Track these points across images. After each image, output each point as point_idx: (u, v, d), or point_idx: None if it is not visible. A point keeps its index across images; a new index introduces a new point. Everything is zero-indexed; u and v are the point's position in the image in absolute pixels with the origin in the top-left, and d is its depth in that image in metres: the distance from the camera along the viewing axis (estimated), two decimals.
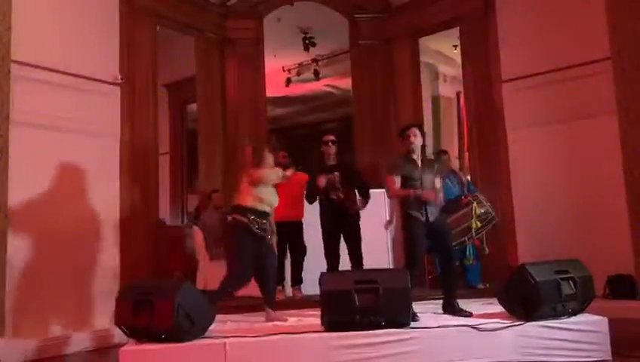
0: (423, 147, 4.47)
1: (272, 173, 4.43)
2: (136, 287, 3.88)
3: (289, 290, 5.52)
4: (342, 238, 4.98)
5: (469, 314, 4.06)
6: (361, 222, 5.02)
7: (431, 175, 4.31)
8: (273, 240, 4.50)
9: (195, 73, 7.16)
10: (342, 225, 4.93)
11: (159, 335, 3.55)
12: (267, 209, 4.40)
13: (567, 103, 5.76)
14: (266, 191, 4.38)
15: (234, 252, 4.40)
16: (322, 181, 4.83)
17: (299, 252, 5.46)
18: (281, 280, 5.43)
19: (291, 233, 5.39)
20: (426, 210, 4.22)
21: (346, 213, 4.91)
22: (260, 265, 4.33)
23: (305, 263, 5.50)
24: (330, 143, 5.06)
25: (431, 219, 4.23)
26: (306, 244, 5.49)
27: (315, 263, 5.12)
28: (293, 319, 4.32)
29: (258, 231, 4.30)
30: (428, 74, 8.05)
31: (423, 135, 4.39)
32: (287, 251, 5.51)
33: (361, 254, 4.91)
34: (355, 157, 4.94)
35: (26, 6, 4.91)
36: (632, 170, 5.31)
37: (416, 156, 4.30)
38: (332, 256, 4.90)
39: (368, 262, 4.88)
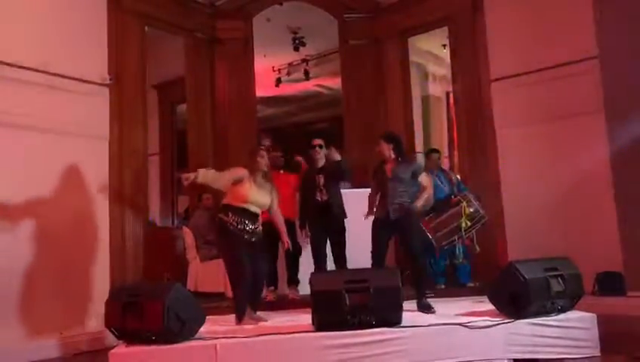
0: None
1: None
2: (127, 289, 3.88)
3: (286, 290, 5.48)
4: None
5: (433, 311, 4.29)
6: (349, 221, 5.09)
7: (399, 182, 4.54)
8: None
9: (184, 73, 7.14)
10: (327, 226, 5.02)
11: (149, 336, 3.54)
12: (244, 205, 4.26)
13: (555, 101, 5.80)
14: (240, 187, 4.28)
15: (224, 253, 4.38)
16: None
17: (292, 252, 5.42)
18: (272, 280, 5.42)
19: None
20: (387, 209, 4.51)
21: (331, 215, 5.01)
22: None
23: (301, 263, 5.45)
24: (317, 148, 5.13)
25: (392, 216, 4.48)
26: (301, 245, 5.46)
27: (311, 264, 5.13)
28: (285, 319, 4.33)
29: (236, 229, 4.23)
30: (417, 73, 8.07)
31: (393, 141, 4.62)
32: (278, 251, 5.48)
33: (345, 258, 4.99)
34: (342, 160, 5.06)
35: (13, 6, 4.87)
36: (619, 168, 5.35)
37: (388, 163, 4.61)
38: (319, 256, 4.99)
39: (358, 261, 4.87)
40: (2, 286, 4.59)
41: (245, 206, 4.28)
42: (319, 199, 5.03)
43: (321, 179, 5.04)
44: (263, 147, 4.53)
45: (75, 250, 5.21)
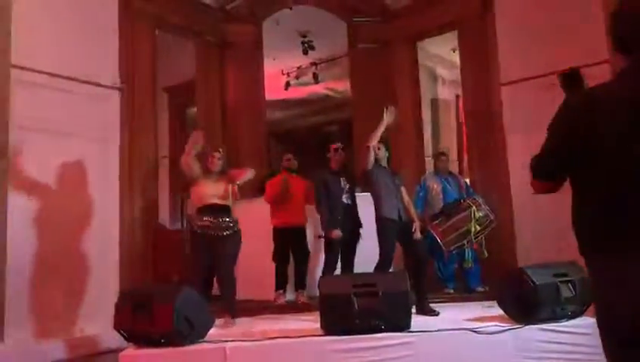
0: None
1: None
2: (136, 291, 3.91)
3: (293, 294, 5.50)
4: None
5: (437, 314, 4.42)
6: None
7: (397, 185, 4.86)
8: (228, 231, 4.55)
9: (194, 77, 7.17)
10: (348, 230, 4.99)
11: (159, 339, 3.56)
12: (204, 203, 4.52)
13: None
14: (197, 188, 4.61)
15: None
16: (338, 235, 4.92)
17: (302, 257, 5.45)
18: (282, 284, 5.43)
19: (294, 238, 5.39)
20: (397, 209, 4.66)
21: (353, 219, 5.03)
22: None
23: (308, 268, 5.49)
24: (338, 150, 5.20)
25: (404, 218, 4.68)
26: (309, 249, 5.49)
27: (318, 268, 5.13)
28: (294, 322, 4.34)
29: (200, 229, 4.47)
30: (427, 77, 8.06)
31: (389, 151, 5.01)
32: (290, 256, 5.50)
33: (353, 263, 4.99)
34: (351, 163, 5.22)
35: (26, 11, 4.92)
36: None
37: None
38: (333, 260, 4.96)
39: (368, 265, 4.87)
40: (14, 288, 4.61)
41: (206, 203, 4.52)
42: (345, 202, 5.03)
43: (347, 184, 5.07)
44: (217, 152, 4.74)
45: (84, 252, 5.24)
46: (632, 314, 1.44)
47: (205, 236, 4.47)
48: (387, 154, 4.91)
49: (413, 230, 4.67)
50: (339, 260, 4.99)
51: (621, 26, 1.64)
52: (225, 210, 4.56)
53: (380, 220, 4.65)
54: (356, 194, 5.22)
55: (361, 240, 5.08)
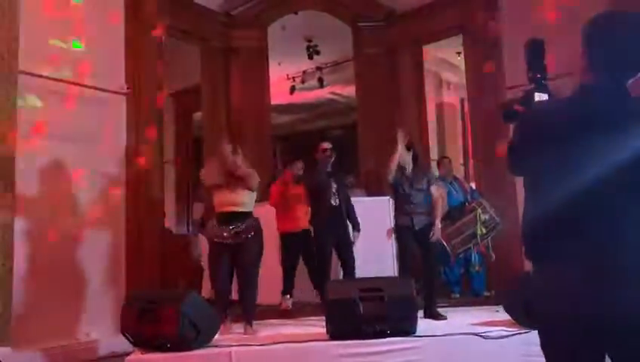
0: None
1: None
2: (142, 296, 3.91)
3: (310, 295, 5.46)
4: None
5: (445, 318, 4.45)
6: (365, 230, 5.05)
7: (419, 191, 4.76)
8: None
9: (200, 82, 7.21)
10: (336, 230, 4.95)
11: (165, 344, 3.56)
12: (220, 210, 4.43)
13: None
14: (215, 195, 4.50)
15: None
16: None
17: (312, 260, 5.43)
18: (288, 289, 5.41)
19: (301, 243, 5.34)
20: (411, 217, 4.64)
21: (341, 220, 4.96)
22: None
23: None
24: (327, 152, 5.12)
25: (417, 226, 4.63)
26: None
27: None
28: (299, 327, 4.35)
29: (215, 237, 4.37)
30: (432, 81, 8.07)
31: (413, 149, 4.86)
32: (298, 261, 5.47)
33: (353, 261, 4.91)
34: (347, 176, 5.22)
35: (33, 16, 4.95)
36: None
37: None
38: (325, 260, 4.91)
39: (373, 270, 4.86)
40: (19, 293, 4.63)
41: (221, 210, 4.45)
42: (333, 203, 4.96)
43: (334, 184, 5.02)
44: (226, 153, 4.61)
45: (90, 257, 5.24)
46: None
47: (223, 245, 4.35)
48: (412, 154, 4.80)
49: (431, 235, 4.63)
50: (329, 263, 4.95)
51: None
52: (241, 217, 4.40)
53: (395, 227, 4.79)
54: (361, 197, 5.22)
55: (362, 243, 5.04)
